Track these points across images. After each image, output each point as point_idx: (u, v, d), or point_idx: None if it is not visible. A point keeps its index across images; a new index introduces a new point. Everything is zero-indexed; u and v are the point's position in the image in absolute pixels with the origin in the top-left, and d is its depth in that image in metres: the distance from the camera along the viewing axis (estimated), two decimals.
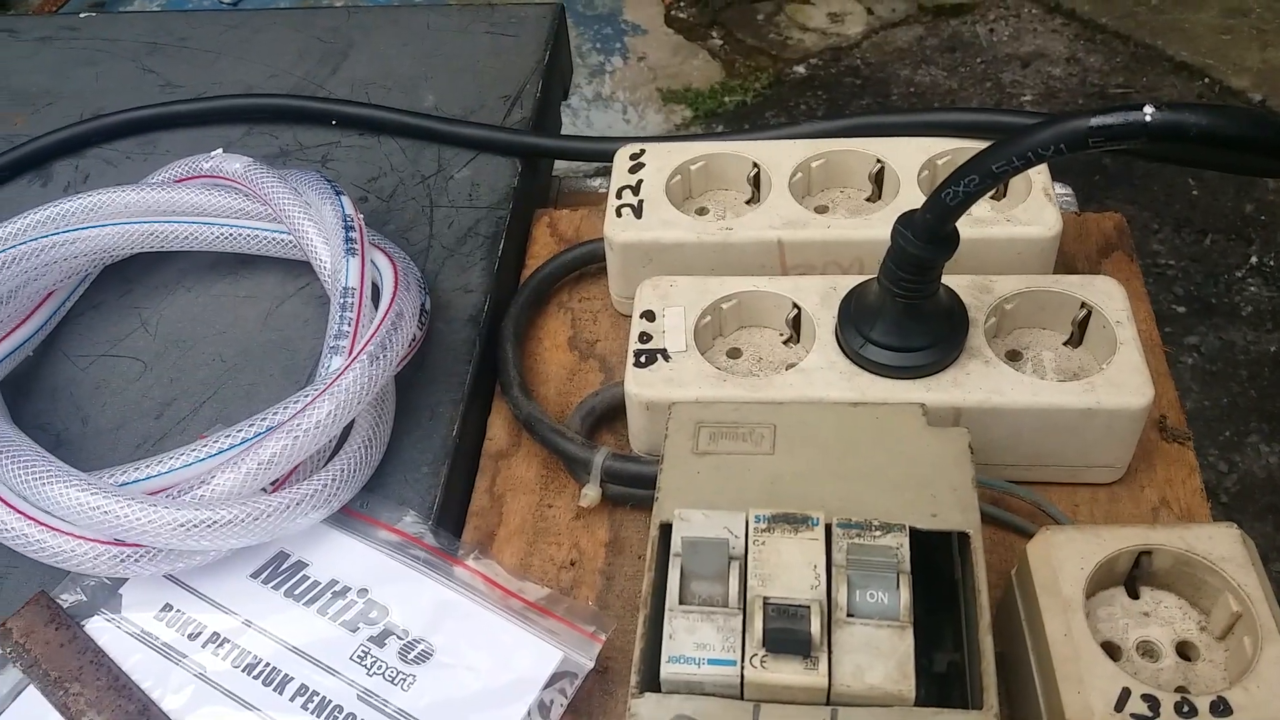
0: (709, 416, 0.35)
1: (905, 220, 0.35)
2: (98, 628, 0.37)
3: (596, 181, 0.61)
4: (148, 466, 0.38)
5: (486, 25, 0.64)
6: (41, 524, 0.36)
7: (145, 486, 0.37)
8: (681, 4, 2.13)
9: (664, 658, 0.28)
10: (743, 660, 0.28)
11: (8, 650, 0.37)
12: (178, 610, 0.37)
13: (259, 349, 0.47)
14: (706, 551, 0.29)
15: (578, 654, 0.35)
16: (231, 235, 0.48)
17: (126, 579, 0.38)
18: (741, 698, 0.28)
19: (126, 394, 0.46)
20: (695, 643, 0.28)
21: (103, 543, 0.36)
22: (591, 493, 0.40)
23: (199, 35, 0.66)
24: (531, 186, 0.56)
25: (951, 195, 0.33)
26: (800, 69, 1.92)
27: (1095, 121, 0.30)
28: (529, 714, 0.34)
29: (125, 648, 0.36)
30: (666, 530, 0.32)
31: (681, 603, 0.29)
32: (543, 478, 0.43)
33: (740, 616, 0.29)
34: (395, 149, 0.56)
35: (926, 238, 0.35)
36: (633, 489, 0.41)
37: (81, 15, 0.69)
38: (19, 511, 0.37)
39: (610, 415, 0.44)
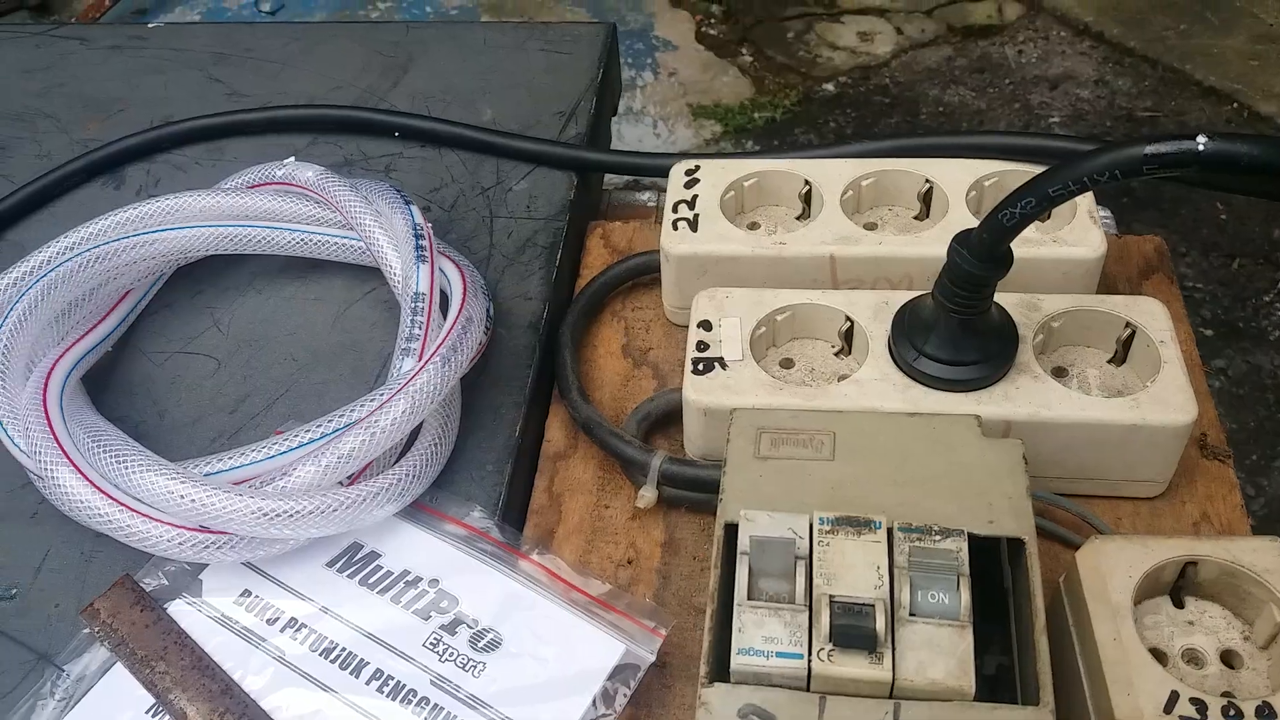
0: (770, 423, 0.36)
1: (962, 239, 0.37)
2: (180, 611, 0.39)
3: (645, 195, 0.63)
4: (231, 458, 0.40)
5: (541, 43, 0.66)
6: (130, 509, 0.38)
7: (230, 477, 0.39)
8: (712, 21, 2.16)
9: (733, 650, 0.30)
10: (810, 654, 0.29)
11: (96, 629, 0.38)
12: (256, 596, 0.39)
13: (328, 349, 0.49)
14: (774, 550, 0.31)
15: (639, 648, 0.37)
16: (302, 240, 0.50)
17: (207, 565, 0.40)
18: (808, 689, 0.29)
19: (201, 389, 0.48)
20: (764, 636, 0.29)
21: (188, 529, 0.38)
22: (648, 494, 0.42)
23: (264, 46, 0.68)
24: (585, 199, 0.58)
25: (1008, 216, 0.35)
26: (829, 87, 1.93)
27: (1150, 149, 0.31)
28: (593, 704, 0.35)
29: (206, 630, 0.38)
30: (731, 530, 0.33)
31: (750, 598, 0.30)
32: (599, 479, 0.45)
33: (806, 613, 0.30)
34: (455, 161, 0.58)
35: (982, 256, 0.36)
36: (688, 492, 0.42)
37: (150, 25, 0.71)
38: (109, 497, 0.39)
39: (665, 420, 0.46)
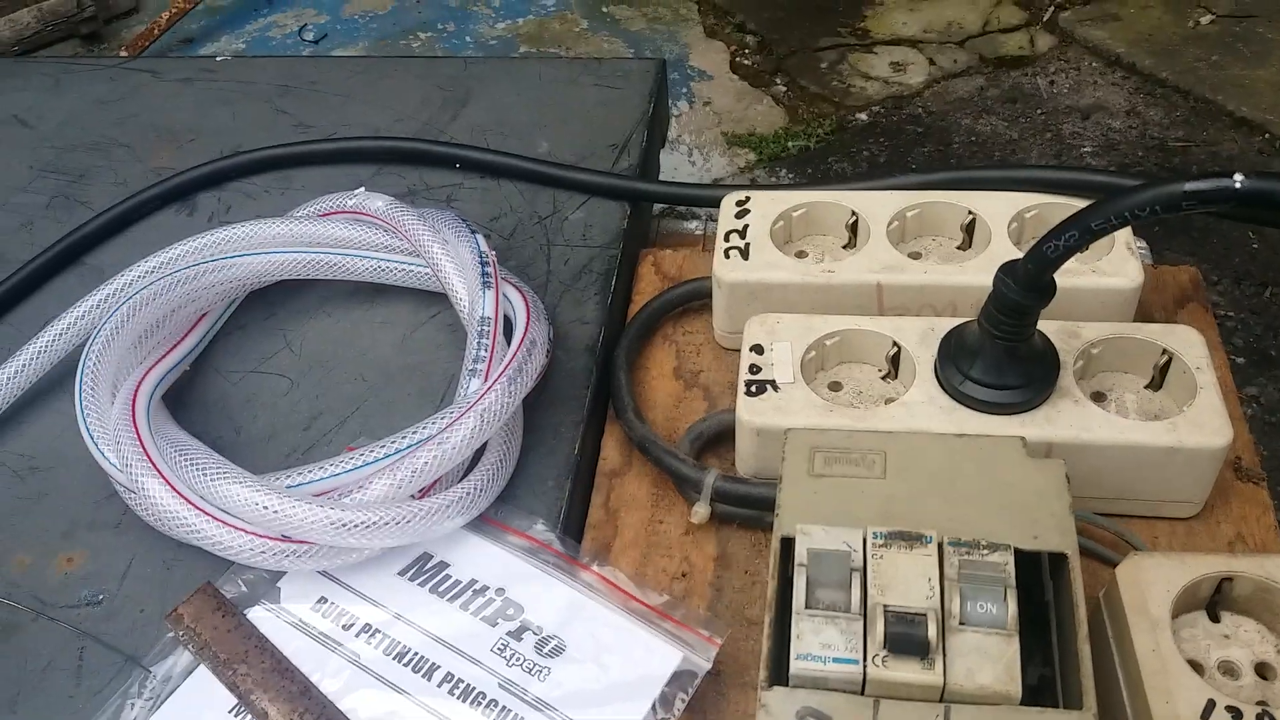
0: (823, 442, 0.38)
1: (1007, 269, 0.39)
2: (259, 617, 0.41)
3: (693, 224, 0.65)
4: (311, 472, 0.42)
5: (594, 78, 0.69)
6: (216, 519, 0.41)
7: (309, 490, 0.41)
8: (746, 51, 2.19)
9: (792, 655, 0.31)
10: (865, 659, 0.31)
11: (180, 633, 0.41)
12: (332, 603, 0.41)
13: (396, 371, 0.51)
14: (830, 562, 0.32)
15: (696, 656, 0.38)
16: (371, 267, 0.53)
17: (285, 573, 0.42)
18: (862, 693, 0.31)
19: (276, 407, 0.50)
20: (820, 643, 0.31)
21: (270, 539, 0.40)
22: (702, 510, 0.44)
23: (328, 80, 0.71)
24: (637, 227, 0.60)
25: (1053, 248, 0.36)
26: (863, 116, 1.96)
27: (1189, 187, 0.33)
28: (653, 708, 0.37)
29: (285, 635, 0.40)
30: (788, 544, 0.35)
31: (807, 607, 0.32)
32: (654, 495, 0.47)
33: (861, 621, 0.32)
34: (513, 191, 0.61)
35: (1027, 285, 0.38)
36: (740, 509, 0.44)
37: (218, 59, 0.75)
38: (196, 507, 0.41)
39: (717, 440, 0.48)
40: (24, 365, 0.50)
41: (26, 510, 0.47)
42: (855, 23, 2.27)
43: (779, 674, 0.32)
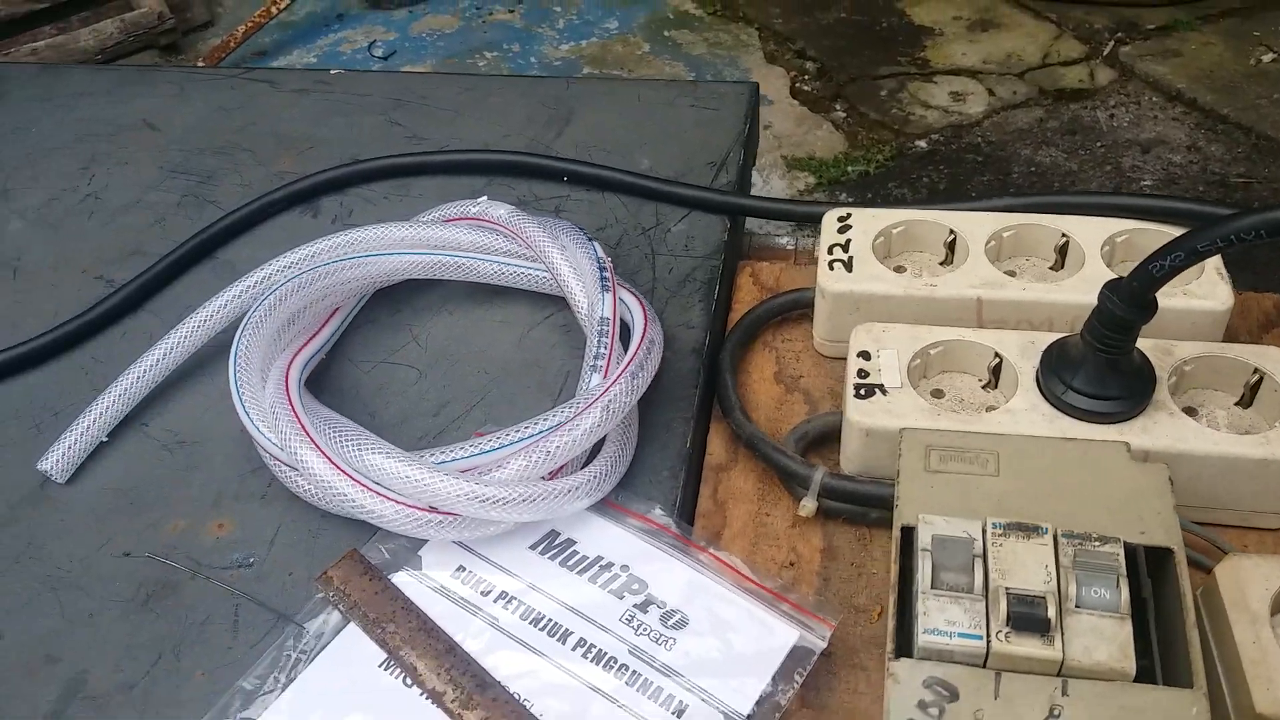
0: (937, 442, 0.41)
1: (1113, 286, 0.42)
2: (402, 581, 0.45)
3: (784, 239, 0.69)
4: (453, 451, 0.46)
5: (691, 99, 0.73)
6: (369, 489, 0.44)
7: (453, 467, 0.45)
8: (806, 78, 2.23)
9: (919, 630, 0.34)
10: (988, 635, 0.34)
11: (330, 594, 0.45)
12: (470, 571, 0.45)
13: (515, 366, 0.55)
14: (954, 547, 0.35)
15: (811, 635, 0.41)
16: (494, 270, 0.57)
17: (425, 542, 0.46)
18: (984, 666, 0.34)
19: (406, 395, 0.54)
20: (945, 620, 0.34)
21: (419, 509, 0.44)
22: (810, 504, 0.47)
23: (437, 95, 0.76)
24: (735, 240, 0.64)
25: (1158, 268, 0.39)
26: (922, 144, 1.99)
27: None
28: (772, 681, 0.40)
29: (427, 599, 0.44)
30: (907, 531, 0.38)
31: (933, 588, 0.35)
32: (759, 489, 0.50)
33: (983, 602, 0.35)
34: (617, 204, 0.65)
35: (1131, 302, 0.41)
36: (846, 504, 0.47)
37: (332, 72, 0.80)
38: (350, 477, 0.45)
39: (820, 440, 0.51)
40: (170, 349, 0.55)
41: (177, 480, 0.51)
42: (915, 52, 2.31)
43: (904, 647, 0.35)
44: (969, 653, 0.34)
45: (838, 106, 2.12)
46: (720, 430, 0.53)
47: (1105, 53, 2.26)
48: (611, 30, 2.44)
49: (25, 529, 0.50)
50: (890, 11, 2.48)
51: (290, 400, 0.48)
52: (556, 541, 0.46)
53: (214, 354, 0.56)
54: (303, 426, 0.46)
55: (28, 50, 2.20)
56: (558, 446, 0.45)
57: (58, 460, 0.51)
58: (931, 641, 0.34)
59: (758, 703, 0.39)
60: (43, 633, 0.46)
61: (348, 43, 2.43)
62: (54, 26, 2.30)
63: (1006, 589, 0.34)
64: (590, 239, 0.55)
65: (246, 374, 0.50)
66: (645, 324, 0.50)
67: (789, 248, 0.68)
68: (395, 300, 0.60)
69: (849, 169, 1.92)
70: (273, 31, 2.44)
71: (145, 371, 0.54)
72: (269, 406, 0.48)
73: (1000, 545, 0.36)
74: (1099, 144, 1.98)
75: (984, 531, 0.36)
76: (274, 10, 2.33)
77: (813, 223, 0.62)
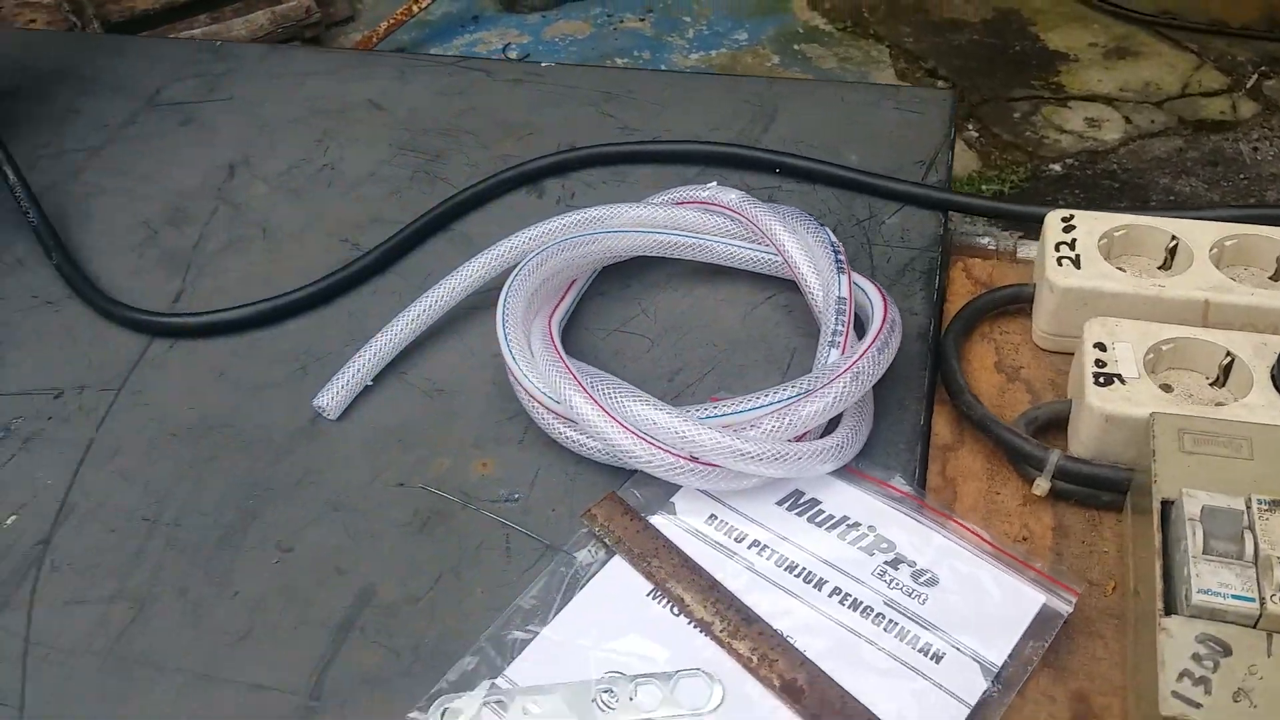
0: (1189, 426, 0.44)
1: None
2: (659, 523, 0.49)
3: (985, 240, 0.72)
4: (706, 409, 0.50)
5: (894, 103, 0.76)
6: (637, 435, 0.49)
7: (716, 423, 0.49)
8: None
9: (1193, 589, 0.37)
10: (1261, 598, 0.37)
11: (595, 530, 0.49)
12: (722, 520, 0.49)
13: (742, 340, 0.59)
14: (1224, 518, 0.39)
15: (1057, 601, 0.45)
16: (724, 252, 0.61)
17: (677, 490, 0.50)
18: (1254, 627, 0.37)
19: (640, 362, 0.59)
20: (1219, 582, 0.37)
21: (681, 457, 0.48)
22: (1044, 484, 0.50)
23: (644, 90, 0.81)
24: (946, 236, 0.67)
25: None
26: (1056, 167, 1.99)
27: None
28: (1021, 639, 0.43)
29: (684, 541, 0.48)
30: (1166, 505, 0.41)
31: (1204, 554, 0.38)
32: (988, 469, 0.53)
33: (1254, 568, 0.38)
34: (829, 196, 0.69)
35: None
36: (1079, 486, 0.50)
37: (543, 65, 0.85)
38: (619, 423, 0.49)
39: (1048, 425, 0.54)
40: (430, 305, 0.60)
41: (438, 423, 0.57)
42: (1049, 77, 2.30)
43: (1170, 607, 0.38)
44: (1241, 613, 0.37)
45: (970, 126, 2.13)
46: (943, 413, 0.56)
47: (1248, 85, 2.23)
48: (741, 42, 2.48)
49: (303, 458, 0.56)
50: (1024, 35, 2.48)
51: (558, 352, 0.53)
52: (802, 500, 0.50)
53: (461, 316, 0.62)
54: (573, 375, 0.51)
55: (185, 38, 2.33)
56: (810, 411, 0.49)
57: (331, 398, 0.57)
58: (1206, 601, 0.37)
59: (1010, 655, 0.43)
60: (330, 548, 0.51)
61: (482, 44, 2.52)
62: (209, 15, 2.43)
63: (1278, 558, 0.37)
64: (823, 225, 0.59)
65: (513, 329, 0.55)
66: (885, 305, 0.54)
67: (990, 247, 0.71)
68: (624, 276, 0.64)
69: (983, 187, 1.93)
70: (411, 30, 2.54)
71: (409, 323, 0.59)
72: (536, 358, 0.53)
73: (1267, 520, 0.39)
74: (1241, 176, 1.96)
75: (1249, 506, 0.39)
76: (415, 9, 2.43)
77: (1023, 223, 0.65)
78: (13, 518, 0.54)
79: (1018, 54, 2.41)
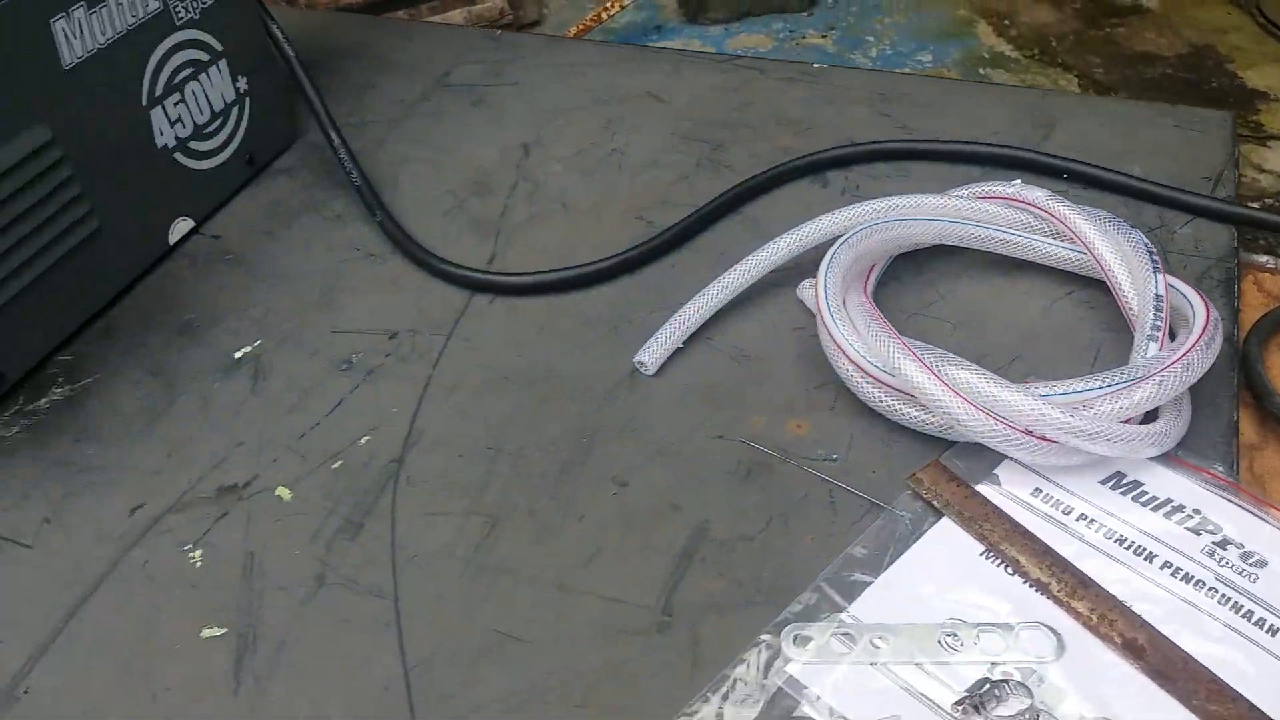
0: None
1: None
2: (985, 491, 0.53)
3: (1264, 258, 0.73)
4: (1046, 388, 0.53)
5: (1173, 121, 0.78)
6: (971, 405, 0.52)
7: (1052, 401, 0.53)
8: None
9: None
10: None
11: (922, 492, 0.53)
12: (1047, 494, 0.52)
13: (1045, 331, 0.63)
14: None
15: None
16: (1026, 246, 0.64)
17: (1000, 461, 0.54)
18: None
19: (945, 344, 0.61)
20: None
21: (1014, 429, 0.52)
22: None
23: (919, 93, 0.85)
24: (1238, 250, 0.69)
25: None
26: (1255, 205, 1.94)
27: None
28: None
29: (1012, 509, 0.52)
30: None
31: None
32: None
33: None
34: (1115, 203, 0.71)
35: None
36: None
37: (815, 66, 0.90)
38: (953, 391, 0.53)
39: None
40: (739, 276, 0.65)
41: (749, 386, 0.62)
42: (1248, 115, 2.25)
43: None
44: None
45: None
46: (1246, 414, 0.58)
47: None
48: (924, 63, 2.50)
49: (626, 406, 0.61)
50: (1221, 73, 2.42)
51: (884, 323, 0.57)
52: (1124, 481, 0.52)
53: (759, 291, 0.67)
54: (905, 345, 0.55)
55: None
56: (1142, 396, 0.52)
57: (650, 355, 0.63)
58: None
59: None
60: (662, 487, 0.57)
61: None
62: (406, 13, 2.58)
63: None
64: (1133, 226, 0.62)
65: (834, 300, 0.59)
66: (1206, 304, 0.56)
67: (1269, 267, 0.73)
68: (919, 264, 0.68)
69: None
70: (596, 36, 2.64)
71: (721, 290, 0.65)
72: (859, 329, 0.57)
73: None
74: None
75: None
76: (603, 16, 2.52)
77: None
78: (366, 438, 0.62)
79: (1214, 90, 2.35)
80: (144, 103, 0.72)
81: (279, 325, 0.70)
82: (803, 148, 0.79)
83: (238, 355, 0.68)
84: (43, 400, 0.67)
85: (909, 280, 0.68)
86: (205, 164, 0.79)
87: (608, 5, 2.50)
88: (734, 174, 0.78)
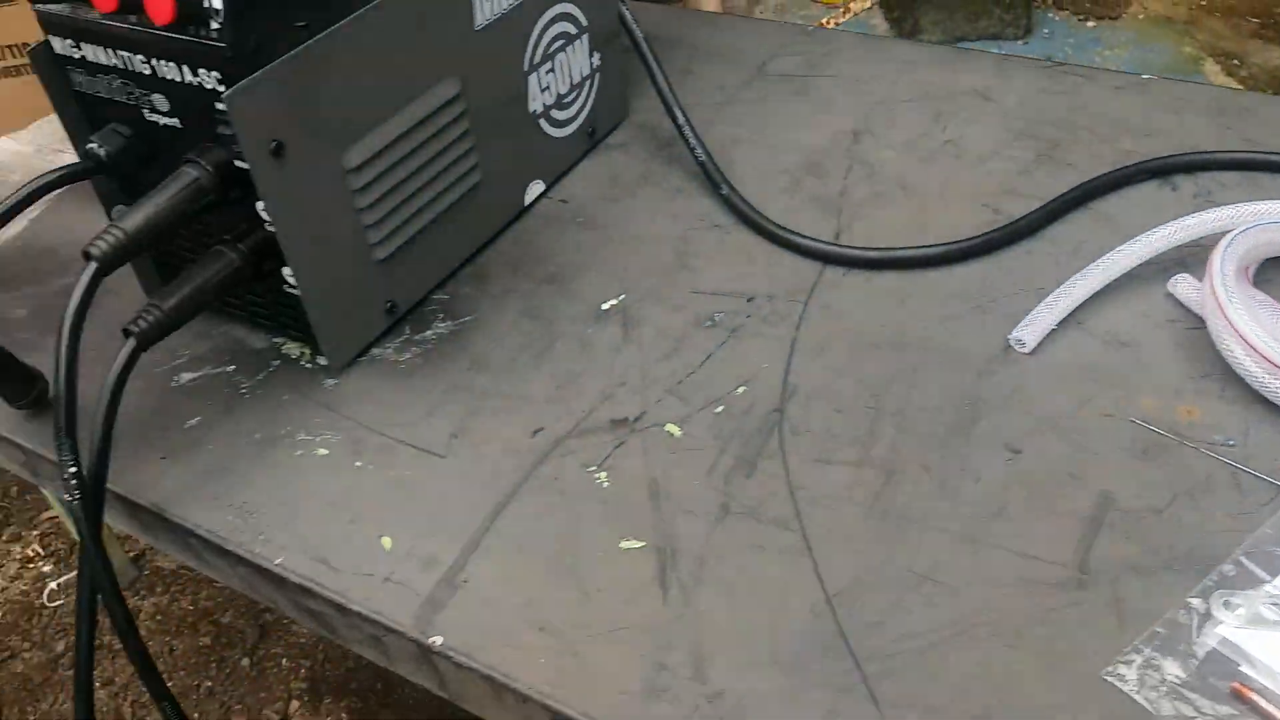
0: None
1: None
2: None
3: None
4: None
5: None
6: None
7: None
8: None
9: None
10: None
11: None
12: None
13: None
14: None
15: None
16: None
17: None
18: None
19: None
20: None
21: None
22: None
23: (1264, 110, 0.85)
24: None
25: None
26: None
27: None
28: None
29: None
30: None
31: None
32: None
33: None
34: None
35: None
36: None
37: (1144, 77, 0.91)
38: None
39: None
40: (1114, 264, 0.67)
41: (1131, 370, 0.64)
42: None
43: None
44: None
45: None
46: None
47: None
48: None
49: (1005, 379, 0.64)
50: None
51: None
52: None
53: (1125, 282, 0.69)
54: None
55: None
56: None
57: (1029, 333, 0.65)
58: None
59: None
60: (1057, 457, 0.59)
61: None
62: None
63: None
64: None
65: (1234, 290, 0.61)
66: None
67: None
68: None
69: None
70: None
71: (1098, 274, 0.67)
72: (1258, 318, 0.59)
73: None
74: None
75: None
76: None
77: None
78: (742, 388, 0.66)
79: None
80: (525, 68, 0.79)
81: (640, 282, 0.75)
82: (1145, 152, 0.81)
83: (605, 306, 0.74)
84: (429, 332, 0.74)
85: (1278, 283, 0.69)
86: (560, 132, 0.86)
87: (838, 14, 2.54)
88: (1075, 171, 0.80)
